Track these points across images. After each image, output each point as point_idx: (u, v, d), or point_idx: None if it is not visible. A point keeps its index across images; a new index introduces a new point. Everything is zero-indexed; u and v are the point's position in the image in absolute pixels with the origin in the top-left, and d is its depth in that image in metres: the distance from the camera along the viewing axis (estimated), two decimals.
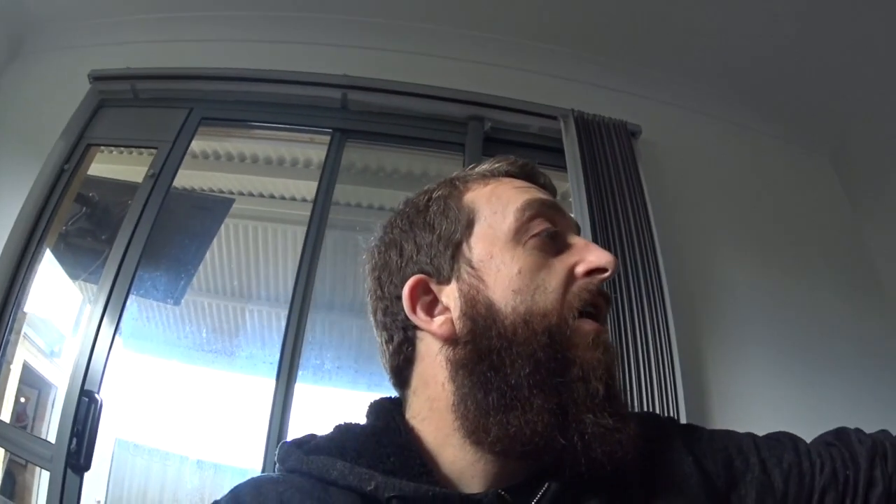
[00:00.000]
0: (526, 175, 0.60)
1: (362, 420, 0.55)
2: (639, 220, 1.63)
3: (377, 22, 1.86)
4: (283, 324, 1.57)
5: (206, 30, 1.93)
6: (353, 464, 0.47)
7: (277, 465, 0.52)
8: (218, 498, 0.49)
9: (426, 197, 0.58)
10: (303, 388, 1.55)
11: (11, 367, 1.77)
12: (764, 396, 1.58)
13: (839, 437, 0.57)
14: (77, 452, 1.44)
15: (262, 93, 1.84)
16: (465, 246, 0.54)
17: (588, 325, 0.50)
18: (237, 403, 1.76)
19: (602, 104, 1.76)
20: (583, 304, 0.50)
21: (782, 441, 0.57)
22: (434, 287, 0.53)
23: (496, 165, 0.60)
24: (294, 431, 1.48)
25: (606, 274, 0.52)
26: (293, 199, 2.11)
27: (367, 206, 2.05)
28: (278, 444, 0.52)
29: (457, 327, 0.51)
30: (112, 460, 1.84)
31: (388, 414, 0.54)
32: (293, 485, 0.48)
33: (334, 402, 1.67)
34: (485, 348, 0.49)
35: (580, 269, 0.52)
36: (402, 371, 0.55)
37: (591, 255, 0.53)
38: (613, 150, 1.69)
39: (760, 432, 0.59)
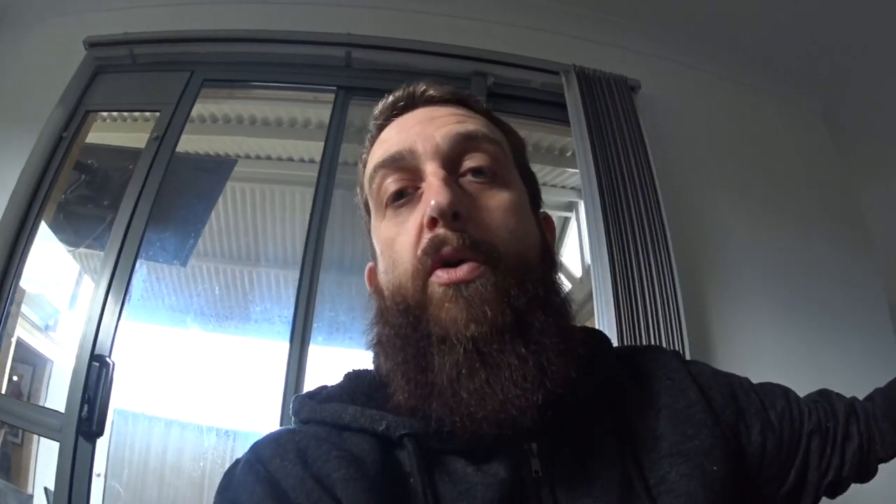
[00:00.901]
0: (392, 115, 0.58)
1: (371, 367, 0.57)
2: (642, 172, 1.70)
3: None
4: (295, 285, 1.63)
5: None
6: (363, 407, 0.50)
7: (293, 417, 0.54)
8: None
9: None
10: (317, 350, 1.59)
11: (13, 339, 1.81)
12: (763, 340, 1.69)
13: (822, 395, 0.62)
14: (89, 419, 1.45)
15: (264, 53, 1.87)
16: (372, 231, 0.56)
17: (436, 280, 0.48)
18: (251, 368, 1.82)
19: (602, 59, 1.82)
20: (433, 261, 0.48)
21: (774, 390, 0.61)
22: (375, 271, 0.56)
23: (374, 122, 0.59)
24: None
25: (436, 223, 0.48)
26: (295, 160, 2.14)
27: None
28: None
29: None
30: (111, 431, 1.86)
31: (379, 361, 0.55)
32: (309, 434, 0.50)
33: (349, 361, 1.72)
34: (379, 329, 0.52)
35: (425, 220, 0.49)
36: None
37: (424, 201, 0.50)
38: (615, 105, 1.76)
39: (761, 375, 0.64)
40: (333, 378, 0.57)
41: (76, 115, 1.90)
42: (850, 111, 2.02)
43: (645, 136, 1.74)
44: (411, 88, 0.59)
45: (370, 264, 0.58)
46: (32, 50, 1.98)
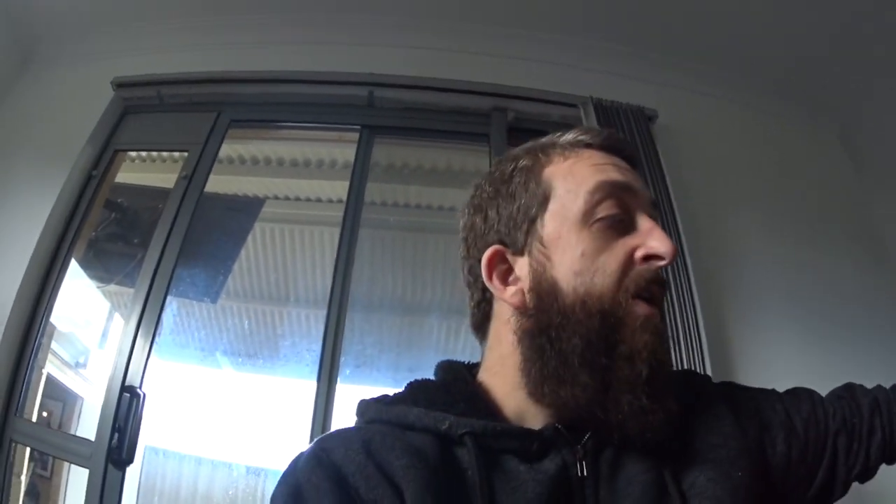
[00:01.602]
0: (607, 147, 0.63)
1: (432, 377, 0.63)
2: (660, 200, 1.78)
3: (399, 21, 1.97)
4: (322, 325, 1.70)
5: (231, 33, 2.02)
6: (427, 408, 0.55)
7: (357, 419, 0.58)
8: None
9: (512, 165, 0.64)
10: (344, 389, 1.65)
11: (43, 374, 1.90)
12: (785, 359, 1.73)
13: (847, 390, 0.67)
14: (119, 447, 1.51)
15: (289, 94, 1.96)
16: (539, 222, 0.59)
17: (640, 309, 0.55)
18: (278, 406, 1.87)
19: (618, 90, 1.88)
20: (637, 289, 0.55)
21: (800, 394, 0.66)
22: (510, 257, 0.60)
23: (580, 137, 0.64)
24: None
25: (663, 262, 0.56)
26: (323, 200, 2.23)
27: (393, 203, 2.18)
28: None
29: (526, 299, 0.58)
30: (142, 467, 1.93)
31: (456, 370, 0.63)
32: (374, 430, 0.54)
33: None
34: (545, 323, 0.55)
35: (639, 255, 0.56)
36: (481, 326, 0.64)
37: (651, 241, 0.56)
38: (632, 135, 1.82)
39: (784, 387, 0.69)
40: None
41: (105, 153, 1.99)
42: (868, 130, 2.09)
43: (663, 164, 1.81)
44: (619, 137, 0.66)
45: (496, 248, 0.61)
46: (62, 90, 2.07)
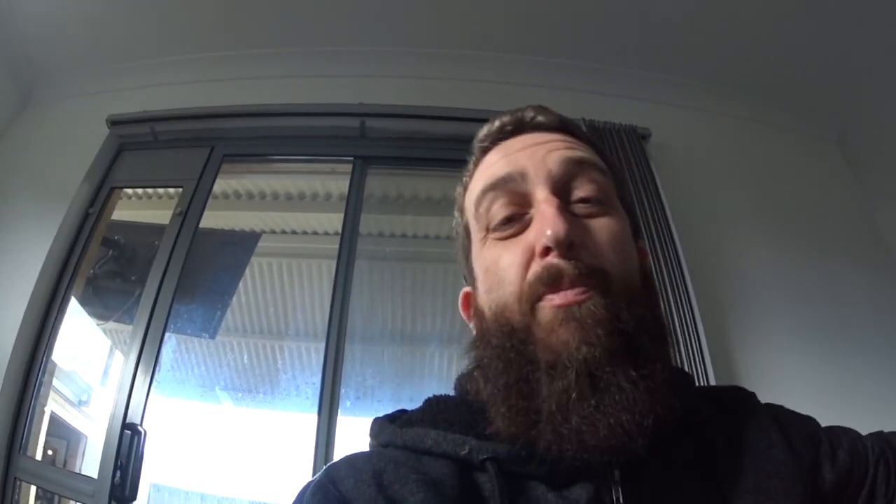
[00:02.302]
0: (499, 138, 0.60)
1: (451, 393, 0.60)
2: (657, 219, 1.82)
3: (389, 50, 2.04)
4: (322, 357, 1.74)
5: (221, 69, 2.10)
6: (446, 431, 0.51)
7: (371, 441, 0.56)
8: None
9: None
10: (345, 421, 1.70)
11: (45, 408, 1.96)
12: (790, 370, 1.78)
13: (876, 435, 0.64)
14: (122, 485, 1.56)
15: (281, 127, 2.04)
16: (471, 254, 0.59)
17: (548, 304, 0.49)
18: (279, 440, 1.92)
19: (611, 110, 1.94)
20: (540, 289, 0.50)
21: (838, 429, 0.63)
22: (472, 296, 0.59)
23: (479, 144, 0.62)
24: None
25: (550, 252, 0.50)
26: (319, 233, 2.31)
27: (389, 234, 2.24)
28: None
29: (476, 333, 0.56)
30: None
31: (477, 384, 0.57)
32: (387, 457, 0.51)
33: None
34: (480, 352, 0.54)
35: (538, 249, 0.51)
36: None
37: (538, 229, 0.52)
38: (626, 155, 1.89)
39: (791, 405, 0.68)
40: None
41: (101, 191, 2.08)
42: (866, 136, 2.14)
43: (658, 181, 1.87)
44: (520, 114, 0.60)
45: (466, 290, 0.61)
46: (58, 128, 2.17)
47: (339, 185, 2.02)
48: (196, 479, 1.92)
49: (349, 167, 1.95)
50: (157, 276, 1.85)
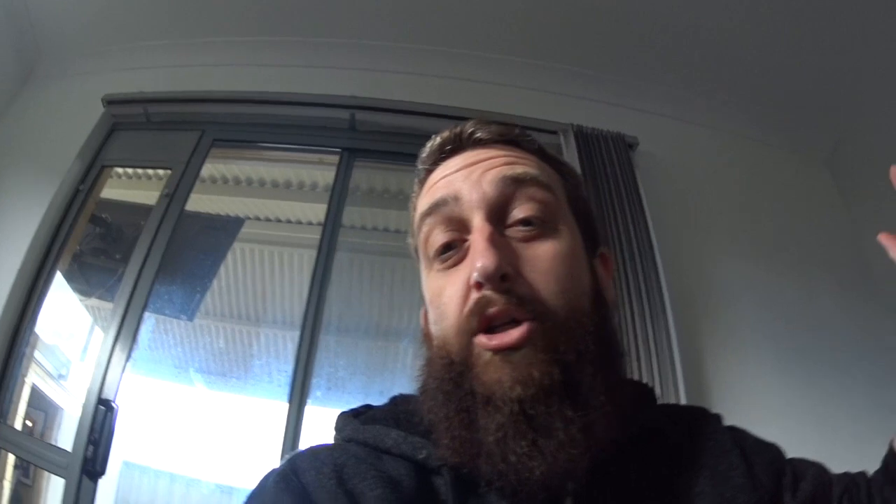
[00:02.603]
0: (440, 160, 0.60)
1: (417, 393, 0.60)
2: (638, 228, 1.88)
3: (383, 45, 2.18)
4: (295, 346, 1.79)
5: (217, 54, 2.25)
6: (407, 433, 0.54)
7: (335, 434, 0.58)
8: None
9: None
10: (314, 410, 1.74)
11: (26, 379, 2.01)
12: (763, 394, 1.81)
13: (843, 474, 0.64)
14: (93, 459, 1.64)
15: (272, 115, 2.14)
16: (422, 279, 0.59)
17: (482, 345, 0.50)
18: (249, 425, 1.98)
19: (599, 117, 2.06)
20: (476, 322, 0.50)
21: (805, 461, 0.63)
22: (427, 318, 0.60)
23: (420, 166, 0.62)
24: None
25: (479, 288, 0.50)
26: (303, 222, 2.40)
27: (373, 228, 2.31)
28: None
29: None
30: (118, 480, 2.02)
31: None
32: (349, 452, 0.53)
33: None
34: (424, 378, 0.55)
35: (471, 282, 0.51)
36: None
37: (470, 263, 0.52)
38: (612, 162, 1.96)
39: (762, 429, 0.68)
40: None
41: (93, 169, 2.20)
42: (856, 158, 2.19)
43: (642, 191, 1.94)
44: (458, 129, 0.61)
45: (424, 308, 0.61)
46: (53, 106, 2.29)
47: (325, 175, 2.12)
48: (166, 458, 1.96)
49: (336, 158, 1.98)
50: (141, 255, 1.97)
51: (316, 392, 1.81)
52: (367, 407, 0.60)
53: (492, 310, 0.49)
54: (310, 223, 2.31)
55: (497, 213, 0.55)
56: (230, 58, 2.23)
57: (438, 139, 0.61)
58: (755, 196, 2.14)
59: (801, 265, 2.05)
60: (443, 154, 0.61)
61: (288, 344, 2.05)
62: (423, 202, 0.58)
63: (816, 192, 2.24)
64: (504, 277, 0.50)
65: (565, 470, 0.47)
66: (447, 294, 0.53)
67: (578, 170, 1.89)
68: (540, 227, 0.55)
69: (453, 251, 0.54)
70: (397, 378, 2.02)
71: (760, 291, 1.98)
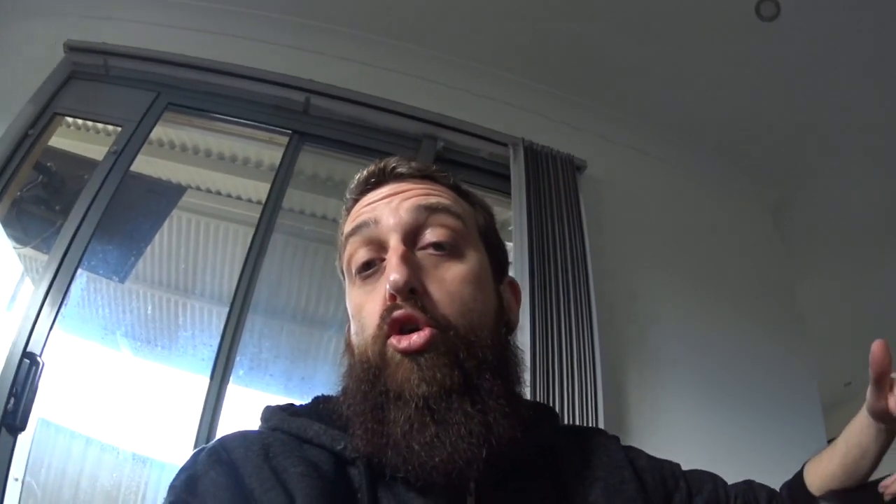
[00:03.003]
0: (365, 191, 0.70)
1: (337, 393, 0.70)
2: (575, 250, 2.01)
3: (347, 32, 2.29)
4: (222, 323, 1.82)
5: (183, 16, 2.41)
6: (328, 426, 0.61)
7: (261, 423, 0.65)
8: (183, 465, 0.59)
9: None
10: (236, 390, 1.76)
11: None
12: (682, 419, 1.94)
13: (747, 484, 0.74)
14: (14, 412, 1.64)
15: (228, 87, 2.25)
16: (346, 296, 0.68)
17: (393, 346, 0.58)
18: (169, 397, 2.07)
19: (552, 136, 2.23)
20: (386, 327, 0.58)
21: (703, 476, 0.72)
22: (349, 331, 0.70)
23: (347, 195, 0.72)
24: (223, 431, 1.74)
25: (393, 298, 0.58)
26: (243, 199, 2.46)
27: (311, 213, 2.38)
28: (207, 442, 0.69)
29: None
30: (34, 437, 1.99)
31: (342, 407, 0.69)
32: (275, 437, 0.61)
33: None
34: (346, 381, 0.63)
35: (385, 295, 0.60)
36: None
37: (385, 278, 0.60)
38: (558, 182, 2.09)
39: (676, 452, 0.77)
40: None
41: (44, 114, 2.30)
42: (801, 210, 2.27)
43: (583, 215, 2.06)
44: (382, 164, 0.71)
45: (348, 324, 0.70)
46: (11, 46, 2.32)
47: (272, 155, 2.23)
48: (84, 421, 2.00)
49: (286, 139, 2.04)
50: (81, 210, 2.07)
51: (239, 371, 1.87)
52: (291, 404, 0.68)
53: (398, 312, 0.59)
54: (250, 200, 2.40)
55: (411, 236, 0.64)
56: (197, 22, 2.39)
57: (365, 172, 0.72)
58: (698, 235, 2.32)
59: (735, 307, 2.23)
60: (368, 186, 0.71)
61: (214, 319, 2.12)
62: (349, 226, 0.68)
63: (757, 235, 2.39)
64: (412, 291, 0.60)
65: (465, 460, 0.54)
66: (367, 309, 0.63)
67: (524, 184, 1.95)
68: (449, 250, 0.64)
69: (373, 269, 0.64)
70: (319, 366, 2.11)
71: (691, 327, 2.15)
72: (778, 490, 0.76)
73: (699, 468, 0.74)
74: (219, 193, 2.46)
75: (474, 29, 2.20)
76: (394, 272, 0.59)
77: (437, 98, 2.20)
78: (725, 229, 2.35)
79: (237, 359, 1.83)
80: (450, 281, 0.61)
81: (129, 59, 2.21)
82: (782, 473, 0.86)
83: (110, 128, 2.23)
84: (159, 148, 2.40)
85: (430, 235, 0.63)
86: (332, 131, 2.18)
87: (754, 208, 2.45)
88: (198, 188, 2.45)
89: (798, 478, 0.77)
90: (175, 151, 2.42)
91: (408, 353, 0.57)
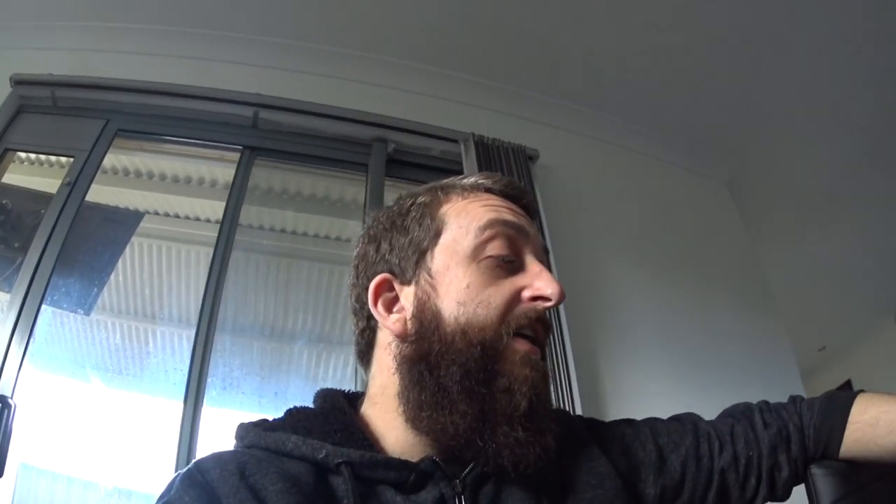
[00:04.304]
0: (505, 193, 0.73)
1: (311, 405, 0.70)
2: None
3: (291, 44, 2.34)
4: (191, 345, 1.84)
5: (126, 41, 2.43)
6: (304, 437, 0.61)
7: (236, 442, 0.65)
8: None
9: (411, 201, 0.74)
10: (210, 412, 1.78)
11: None
12: (655, 392, 1.98)
13: (745, 415, 0.73)
14: None
15: (176, 107, 2.30)
16: (429, 254, 0.68)
17: (521, 345, 0.63)
18: (145, 425, 2.04)
19: (502, 129, 2.28)
20: (519, 326, 0.63)
21: (684, 424, 0.73)
22: (397, 286, 0.68)
23: (480, 181, 0.74)
24: (202, 454, 1.72)
25: (549, 303, 0.65)
26: (201, 219, 2.48)
27: (269, 228, 2.41)
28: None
29: (408, 326, 0.65)
30: (15, 486, 1.87)
31: (334, 398, 0.70)
32: (251, 455, 0.60)
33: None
34: (425, 350, 0.63)
35: (526, 294, 0.65)
36: (365, 354, 0.72)
37: (539, 282, 0.65)
38: (511, 173, 2.09)
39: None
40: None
41: None
42: (756, 180, 2.32)
43: (540, 203, 2.02)
44: (518, 185, 0.75)
45: (382, 277, 0.69)
46: None
47: (225, 172, 2.32)
48: (62, 460, 2.00)
49: (237, 156, 2.04)
50: (40, 245, 2.09)
51: (212, 392, 1.89)
52: (265, 420, 0.68)
53: (540, 324, 0.65)
54: (208, 220, 2.42)
55: None
56: (139, 46, 2.43)
57: (506, 178, 0.75)
58: (656, 214, 2.35)
59: (701, 282, 2.27)
60: (503, 191, 0.73)
61: (184, 342, 2.13)
62: (489, 211, 0.69)
63: (717, 212, 2.44)
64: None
65: (540, 457, 0.58)
66: (494, 291, 0.64)
67: None
68: None
69: (509, 263, 0.66)
70: (292, 379, 2.13)
71: (658, 306, 2.18)
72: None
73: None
74: (177, 216, 2.49)
75: (418, 31, 2.23)
76: (556, 284, 0.64)
77: (385, 101, 2.23)
78: (684, 207, 2.40)
79: (209, 380, 1.86)
80: None
81: (76, 89, 2.23)
82: None
83: (63, 159, 2.21)
84: (113, 176, 2.41)
85: None
86: (282, 143, 2.23)
87: (710, 184, 2.50)
88: (155, 213, 2.47)
89: (846, 402, 0.69)
90: (129, 178, 2.44)
91: (534, 358, 0.62)
